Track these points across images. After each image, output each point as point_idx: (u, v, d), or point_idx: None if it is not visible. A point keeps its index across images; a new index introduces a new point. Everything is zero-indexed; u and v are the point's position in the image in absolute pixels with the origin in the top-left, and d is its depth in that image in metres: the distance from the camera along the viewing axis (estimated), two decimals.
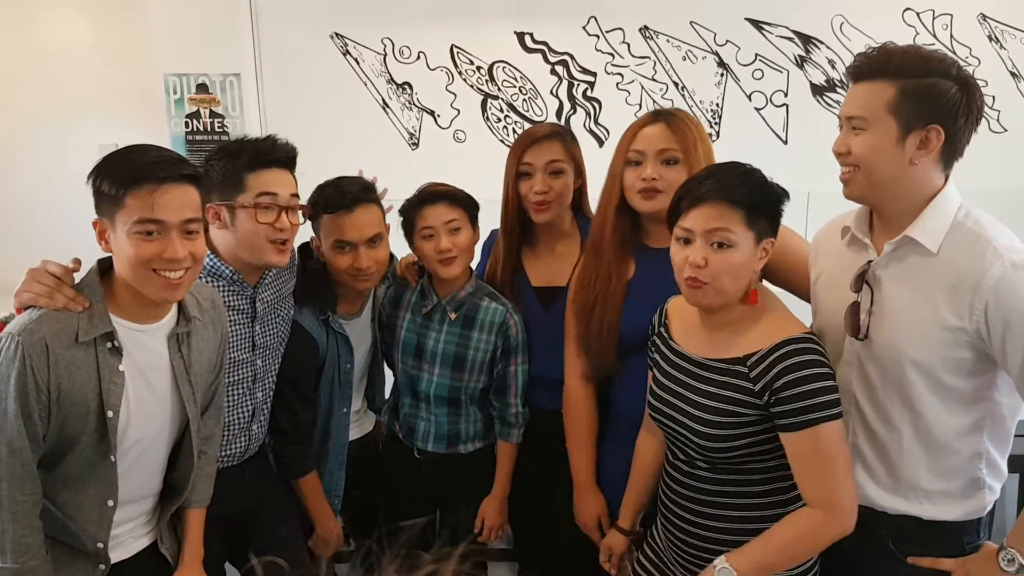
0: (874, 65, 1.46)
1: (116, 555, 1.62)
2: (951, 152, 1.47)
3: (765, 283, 1.65)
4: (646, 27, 3.51)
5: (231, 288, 1.87)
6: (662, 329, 1.72)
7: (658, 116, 1.86)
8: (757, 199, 1.49)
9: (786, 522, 1.51)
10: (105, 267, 1.55)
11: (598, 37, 3.53)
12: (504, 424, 2.15)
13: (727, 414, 1.51)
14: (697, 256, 1.48)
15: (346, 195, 1.95)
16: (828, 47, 3.48)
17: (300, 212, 1.89)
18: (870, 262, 1.55)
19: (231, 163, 1.81)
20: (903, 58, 1.44)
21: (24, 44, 3.62)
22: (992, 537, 1.61)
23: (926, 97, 1.42)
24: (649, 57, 3.54)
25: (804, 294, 1.80)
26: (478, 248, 2.18)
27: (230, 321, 1.84)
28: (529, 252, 2.17)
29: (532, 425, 2.16)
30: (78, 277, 1.55)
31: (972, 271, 1.43)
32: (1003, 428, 1.56)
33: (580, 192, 2.14)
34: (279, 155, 1.84)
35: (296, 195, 1.86)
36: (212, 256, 1.84)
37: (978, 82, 1.46)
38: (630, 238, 1.91)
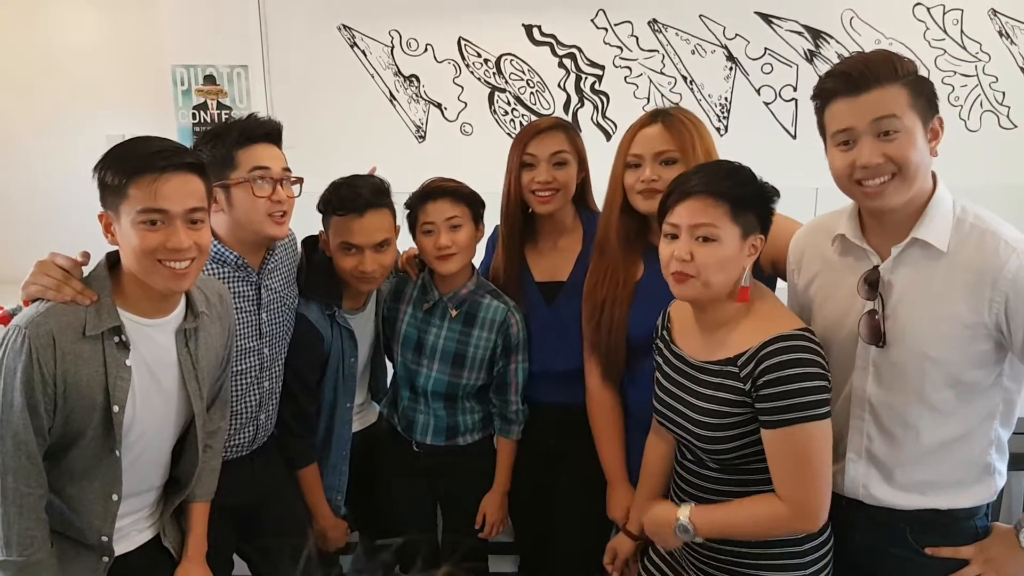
0: (883, 69, 1.43)
1: (120, 547, 1.62)
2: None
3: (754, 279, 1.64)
4: (655, 20, 3.50)
5: (236, 274, 1.88)
6: (664, 332, 1.72)
7: (655, 117, 1.86)
8: (742, 193, 1.49)
9: (755, 502, 1.52)
10: (113, 261, 1.55)
11: (606, 30, 3.52)
12: (504, 421, 2.15)
13: (723, 416, 1.52)
14: (682, 250, 1.49)
15: (357, 198, 1.95)
16: (838, 41, 3.46)
17: (295, 184, 1.90)
18: (876, 267, 1.53)
19: (220, 143, 1.82)
20: (900, 60, 1.44)
21: (32, 35, 3.61)
22: (997, 518, 1.63)
23: (926, 90, 1.44)
24: (658, 50, 3.53)
25: None
26: (482, 244, 2.18)
27: (236, 308, 1.85)
28: (531, 247, 2.16)
29: (536, 419, 2.16)
30: (86, 271, 1.55)
31: (988, 267, 1.43)
32: (1012, 412, 1.57)
33: (583, 185, 2.13)
34: (265, 130, 1.86)
35: (287, 169, 1.87)
36: (216, 242, 1.83)
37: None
38: (637, 239, 1.91)
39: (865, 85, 1.43)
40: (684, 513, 1.56)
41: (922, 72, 1.46)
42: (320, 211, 2.01)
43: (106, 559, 1.59)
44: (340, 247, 1.98)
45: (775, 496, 1.49)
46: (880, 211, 1.50)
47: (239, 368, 1.90)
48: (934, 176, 1.50)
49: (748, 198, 1.50)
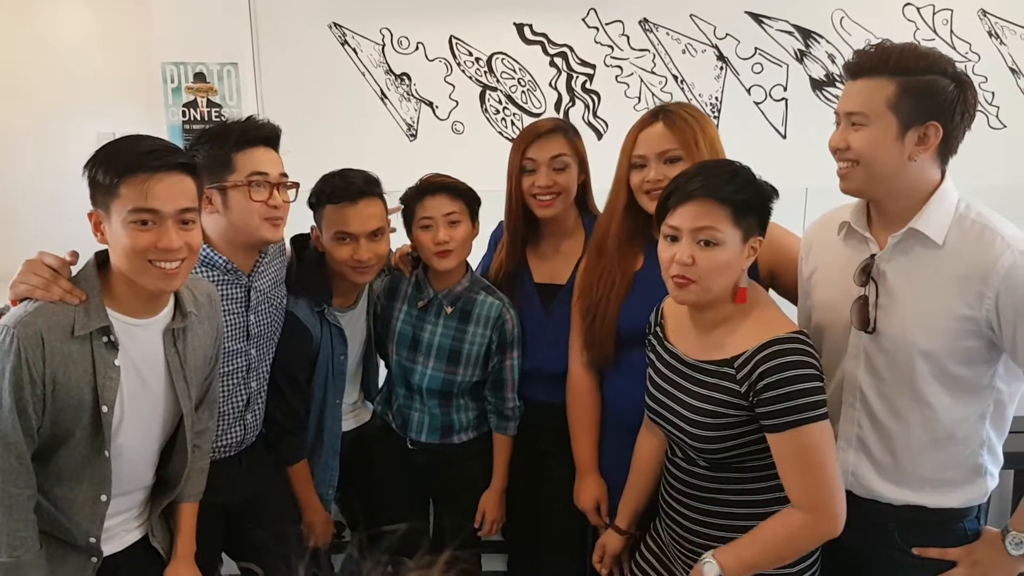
0: (873, 62, 1.47)
1: (108, 548, 1.61)
2: (947, 148, 1.50)
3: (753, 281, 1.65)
4: (646, 20, 3.50)
5: (225, 277, 1.87)
6: (657, 329, 1.72)
7: (657, 115, 1.85)
8: (744, 197, 1.48)
9: (773, 522, 1.51)
10: (102, 260, 1.54)
11: (598, 29, 3.52)
12: (501, 418, 2.15)
13: (716, 415, 1.52)
14: (684, 254, 1.48)
15: (351, 186, 1.95)
16: (828, 41, 3.47)
17: (291, 189, 1.89)
18: (873, 256, 1.56)
19: (218, 145, 1.81)
20: (902, 55, 1.45)
21: (23, 32, 3.59)
22: (988, 523, 1.63)
23: (925, 94, 1.44)
24: (648, 50, 3.53)
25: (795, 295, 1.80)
26: (484, 240, 2.18)
27: (224, 310, 1.84)
28: (533, 249, 2.16)
29: (526, 418, 2.16)
30: (75, 270, 1.54)
31: (982, 261, 1.45)
32: (1003, 415, 1.58)
33: (584, 187, 2.13)
34: (265, 133, 1.85)
35: (284, 174, 1.87)
36: (205, 246, 1.82)
37: (972, 79, 1.49)
38: (639, 235, 1.90)
39: (857, 73, 1.49)
40: (708, 556, 1.53)
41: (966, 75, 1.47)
42: (311, 205, 2.01)
43: (94, 560, 1.58)
44: (334, 237, 1.97)
45: (789, 510, 1.48)
46: (853, 195, 1.56)
47: (227, 369, 1.89)
48: (943, 172, 1.52)
49: (749, 202, 1.49)
